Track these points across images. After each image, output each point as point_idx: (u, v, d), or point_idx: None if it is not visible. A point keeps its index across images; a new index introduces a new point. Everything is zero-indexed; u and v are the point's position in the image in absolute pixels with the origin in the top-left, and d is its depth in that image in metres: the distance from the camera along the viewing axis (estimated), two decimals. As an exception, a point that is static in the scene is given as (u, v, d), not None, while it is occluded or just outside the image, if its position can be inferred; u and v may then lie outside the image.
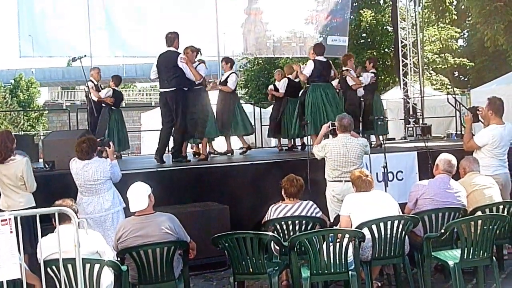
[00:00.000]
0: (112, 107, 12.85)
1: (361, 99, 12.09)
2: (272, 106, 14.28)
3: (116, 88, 13.10)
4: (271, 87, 13.35)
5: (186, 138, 10.82)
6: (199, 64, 10.89)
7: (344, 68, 12.25)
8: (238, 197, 9.23)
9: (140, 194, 6.03)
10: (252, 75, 34.90)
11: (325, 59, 11.30)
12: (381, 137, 12.30)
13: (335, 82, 12.07)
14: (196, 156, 11.72)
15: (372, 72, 12.71)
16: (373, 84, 12.66)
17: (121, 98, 13.64)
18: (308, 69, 11.07)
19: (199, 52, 10.99)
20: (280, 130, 12.80)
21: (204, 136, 11.15)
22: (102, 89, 12.82)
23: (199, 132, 10.95)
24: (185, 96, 10.25)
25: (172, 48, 10.21)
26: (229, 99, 11.70)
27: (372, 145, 11.88)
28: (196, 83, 10.52)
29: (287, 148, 13.00)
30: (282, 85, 12.69)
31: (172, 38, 10.24)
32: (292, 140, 12.86)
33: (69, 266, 5.15)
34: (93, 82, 12.58)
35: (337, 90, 11.94)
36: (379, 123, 9.87)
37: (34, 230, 4.31)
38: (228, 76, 11.69)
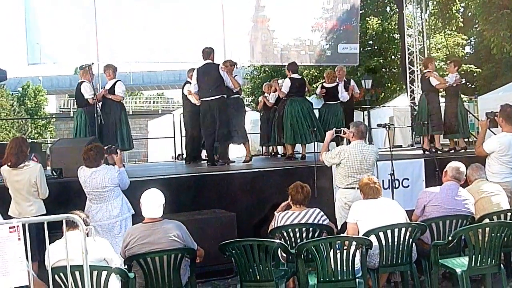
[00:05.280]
0: None
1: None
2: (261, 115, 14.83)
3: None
4: (262, 98, 14.35)
5: (230, 142, 11.54)
6: (235, 75, 11.70)
7: (426, 70, 12.48)
8: (245, 205, 9.24)
9: (157, 202, 6.05)
10: (259, 83, 34.96)
11: (299, 76, 12.35)
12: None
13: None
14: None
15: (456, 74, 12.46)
16: (457, 86, 12.37)
17: None
18: (285, 86, 11.97)
19: (236, 65, 12.01)
20: (269, 138, 13.59)
21: (245, 140, 11.87)
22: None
23: (240, 137, 11.65)
24: (226, 104, 11.10)
25: (209, 61, 11.12)
26: (116, 109, 11.31)
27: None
28: (234, 91, 11.42)
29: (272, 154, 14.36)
30: (272, 97, 13.51)
31: (208, 52, 11.14)
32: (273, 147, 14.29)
33: (77, 273, 5.16)
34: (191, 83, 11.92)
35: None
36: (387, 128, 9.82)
37: (42, 237, 4.30)
38: (114, 84, 11.38)
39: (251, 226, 8.93)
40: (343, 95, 12.95)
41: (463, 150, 12.07)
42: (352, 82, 13.73)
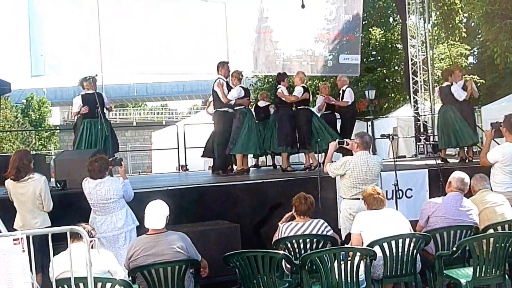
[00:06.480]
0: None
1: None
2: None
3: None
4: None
5: (227, 153, 11.65)
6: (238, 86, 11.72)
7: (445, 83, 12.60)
8: (248, 216, 9.24)
9: (160, 213, 6.07)
10: (262, 94, 34.93)
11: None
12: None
13: None
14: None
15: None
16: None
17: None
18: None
19: (241, 75, 12.08)
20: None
21: (240, 151, 11.65)
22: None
23: (230, 149, 11.62)
24: (222, 117, 11.58)
25: (218, 75, 11.63)
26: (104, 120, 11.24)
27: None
28: (231, 103, 11.50)
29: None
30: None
31: (217, 67, 11.69)
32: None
33: (81, 285, 5.15)
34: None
35: None
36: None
37: (46, 249, 4.31)
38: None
39: (255, 237, 8.92)
40: (318, 106, 13.32)
41: (467, 160, 12.07)
42: (348, 91, 13.31)
